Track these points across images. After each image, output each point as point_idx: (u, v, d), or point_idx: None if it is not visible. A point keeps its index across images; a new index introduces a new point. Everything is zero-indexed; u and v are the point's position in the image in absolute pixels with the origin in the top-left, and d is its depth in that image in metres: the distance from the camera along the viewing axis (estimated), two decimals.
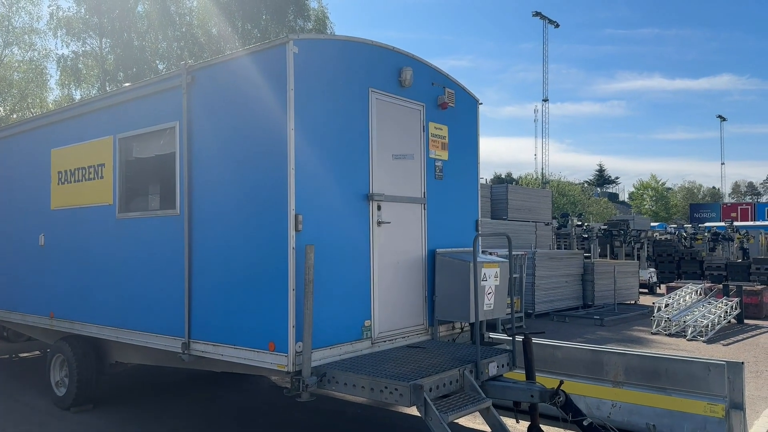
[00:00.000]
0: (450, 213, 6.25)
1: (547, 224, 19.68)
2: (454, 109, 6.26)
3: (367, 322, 5.28)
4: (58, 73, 24.38)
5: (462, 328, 6.25)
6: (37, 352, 10.24)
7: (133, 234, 6.09)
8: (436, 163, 6.08)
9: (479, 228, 6.55)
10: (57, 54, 24.91)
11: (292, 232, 4.65)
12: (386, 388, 4.34)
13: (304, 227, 4.72)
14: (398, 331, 5.61)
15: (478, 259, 5.36)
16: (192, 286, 5.39)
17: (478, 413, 5.12)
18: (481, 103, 6.68)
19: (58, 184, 7.12)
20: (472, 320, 5.69)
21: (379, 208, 5.45)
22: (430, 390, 4.35)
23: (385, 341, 5.44)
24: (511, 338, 5.31)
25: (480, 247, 6.46)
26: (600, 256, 22.50)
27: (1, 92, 23.96)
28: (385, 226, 5.50)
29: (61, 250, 7.05)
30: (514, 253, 12.14)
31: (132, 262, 6.07)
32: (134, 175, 6.30)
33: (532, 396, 4.68)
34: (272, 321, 4.71)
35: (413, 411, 6.63)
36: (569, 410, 4.58)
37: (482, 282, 5.59)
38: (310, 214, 4.79)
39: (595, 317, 13.50)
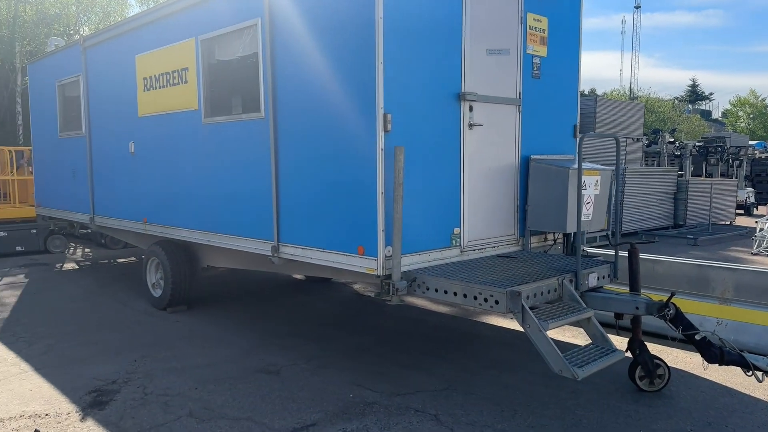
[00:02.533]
0: (546, 116, 5.78)
1: (637, 140, 18.40)
2: None
3: (456, 230, 5.06)
4: None
5: (555, 240, 5.93)
6: (133, 258, 10.85)
7: (219, 139, 6.05)
8: (534, 60, 5.55)
9: (578, 134, 6.06)
10: None
11: (380, 133, 4.40)
12: (480, 294, 4.16)
13: (393, 127, 4.45)
14: (488, 240, 5.37)
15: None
16: (279, 189, 5.32)
17: (568, 325, 4.90)
18: None
19: (144, 90, 7.14)
20: (568, 230, 5.37)
21: (470, 108, 5.08)
22: (528, 297, 4.13)
23: (474, 250, 5.22)
24: (612, 252, 4.95)
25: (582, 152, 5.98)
26: (693, 175, 21.08)
27: (86, 11, 24.45)
28: (477, 129, 5.14)
29: (150, 157, 7.17)
30: (603, 168, 11.41)
31: (220, 166, 6.06)
32: (218, 79, 6.17)
33: (637, 308, 4.36)
34: (361, 225, 4.58)
35: (499, 321, 6.53)
36: (680, 324, 4.24)
37: (582, 190, 5.18)
38: (399, 113, 4.51)
39: (688, 236, 12.74)
